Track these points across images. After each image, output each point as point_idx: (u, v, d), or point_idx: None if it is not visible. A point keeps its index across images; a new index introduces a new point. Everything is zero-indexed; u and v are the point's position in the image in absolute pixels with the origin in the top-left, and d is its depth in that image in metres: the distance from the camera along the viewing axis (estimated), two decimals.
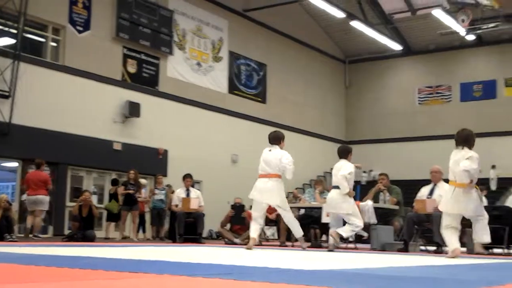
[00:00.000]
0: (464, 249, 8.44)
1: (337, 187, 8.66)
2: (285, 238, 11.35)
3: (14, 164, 14.77)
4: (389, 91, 25.15)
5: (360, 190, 12.55)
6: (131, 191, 13.28)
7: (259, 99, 21.57)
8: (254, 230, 8.24)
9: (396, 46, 23.94)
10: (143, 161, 16.27)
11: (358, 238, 12.80)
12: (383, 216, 9.74)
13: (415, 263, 5.50)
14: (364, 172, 22.66)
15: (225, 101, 19.93)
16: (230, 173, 19.13)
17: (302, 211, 11.55)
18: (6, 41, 14.21)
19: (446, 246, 9.10)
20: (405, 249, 9.47)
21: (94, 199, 13.90)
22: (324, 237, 11.75)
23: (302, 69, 23.56)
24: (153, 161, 16.90)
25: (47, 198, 12.24)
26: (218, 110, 19.50)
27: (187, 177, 12.64)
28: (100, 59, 16.10)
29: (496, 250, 10.26)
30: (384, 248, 9.71)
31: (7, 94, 13.73)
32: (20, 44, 14.01)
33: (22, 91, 13.94)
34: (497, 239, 8.25)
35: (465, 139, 7.09)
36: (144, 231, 14.59)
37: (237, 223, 12.07)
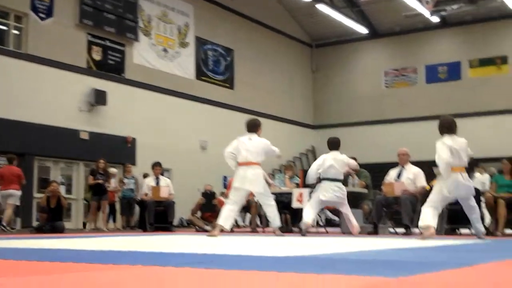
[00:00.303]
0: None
1: (337, 180, 8.81)
2: (256, 224, 11.40)
3: None
4: (356, 75, 25.30)
5: None
6: (100, 181, 13.14)
7: (227, 85, 21.51)
8: (223, 217, 8.17)
9: (362, 29, 24.08)
10: (111, 150, 16.11)
11: (328, 222, 12.96)
12: (352, 199, 9.82)
13: (385, 246, 5.57)
14: None
15: (192, 87, 19.81)
16: (199, 160, 19.08)
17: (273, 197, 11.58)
18: None
19: (414, 227, 9.27)
20: (374, 232, 9.59)
21: (62, 190, 13.75)
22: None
23: (270, 54, 23.54)
24: (121, 150, 16.75)
25: (18, 193, 12.24)
26: (186, 97, 19.38)
27: (156, 165, 12.58)
28: (64, 46, 15.83)
29: (463, 231, 10.47)
30: None
31: None
32: None
33: None
34: (464, 220, 8.39)
35: (450, 126, 7.24)
36: (114, 221, 14.47)
37: (208, 210, 12.09)
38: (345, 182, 10.57)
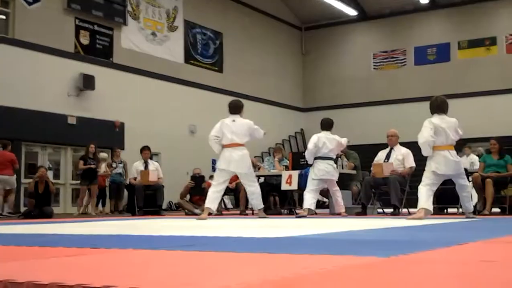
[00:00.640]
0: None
1: (329, 158, 8.99)
2: (245, 206, 11.43)
3: None
4: (346, 57, 25.27)
5: None
6: (92, 166, 13.10)
7: (216, 69, 21.42)
8: (210, 200, 8.26)
9: (352, 12, 24.03)
10: (100, 134, 16.03)
11: (317, 203, 13.00)
12: (341, 181, 9.88)
13: (374, 226, 5.60)
14: None
15: (181, 71, 19.72)
16: (188, 144, 19.05)
17: (262, 179, 11.61)
18: None
19: (403, 208, 9.35)
20: (363, 213, 9.66)
21: (50, 175, 13.71)
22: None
23: (259, 37, 23.44)
24: (109, 134, 16.67)
25: (13, 178, 12.43)
26: (174, 81, 19.29)
27: (145, 149, 12.55)
28: (51, 31, 15.67)
29: (450, 210, 10.56)
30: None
31: None
32: None
33: None
34: (452, 199, 8.47)
35: (440, 106, 7.35)
36: (103, 205, 14.45)
37: (196, 194, 12.08)
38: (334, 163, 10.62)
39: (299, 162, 10.69)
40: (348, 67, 25.07)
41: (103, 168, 13.85)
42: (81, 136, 15.17)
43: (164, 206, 14.28)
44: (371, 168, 9.99)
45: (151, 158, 12.98)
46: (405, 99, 23.36)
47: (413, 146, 7.66)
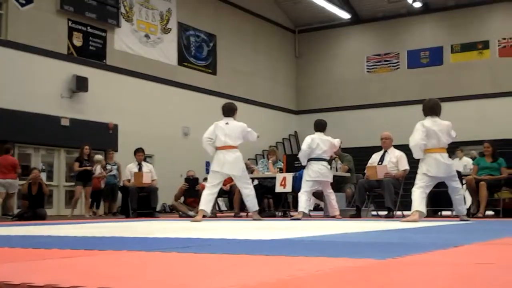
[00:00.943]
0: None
1: (323, 159, 9.02)
2: (239, 209, 11.42)
3: None
4: (339, 60, 25.31)
5: None
6: (88, 168, 13.07)
7: (209, 71, 21.41)
8: (205, 202, 8.28)
9: (345, 15, 24.07)
10: (93, 136, 15.96)
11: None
12: (335, 183, 9.89)
13: (368, 229, 5.60)
14: None
15: (175, 73, 19.70)
16: (182, 146, 19.03)
17: (256, 182, 11.61)
18: None
19: (396, 210, 9.37)
20: (357, 215, 9.66)
21: (43, 177, 13.67)
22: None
23: (252, 39, 23.46)
24: (103, 136, 16.62)
25: (16, 182, 12.71)
26: (168, 83, 19.27)
27: (138, 151, 12.53)
28: (44, 33, 15.62)
29: (444, 213, 10.58)
30: None
31: None
32: None
33: None
34: (446, 202, 8.48)
35: (432, 108, 7.38)
36: (97, 207, 14.40)
37: (191, 196, 12.05)
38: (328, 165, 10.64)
39: (293, 165, 10.70)
40: (342, 70, 25.11)
41: (98, 170, 13.82)
42: (74, 138, 15.12)
43: (158, 208, 14.24)
44: (365, 171, 10.01)
45: (145, 160, 12.95)
46: (398, 102, 23.43)
47: (407, 149, 7.68)
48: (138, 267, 2.51)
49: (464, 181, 9.65)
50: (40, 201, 11.47)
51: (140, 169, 12.33)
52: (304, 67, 26.02)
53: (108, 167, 14.19)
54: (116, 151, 16.04)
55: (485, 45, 22.77)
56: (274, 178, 10.69)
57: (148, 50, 18.82)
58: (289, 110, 25.49)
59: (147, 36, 18.80)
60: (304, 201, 9.03)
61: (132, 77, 18.00)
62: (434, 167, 7.25)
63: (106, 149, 15.29)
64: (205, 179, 14.13)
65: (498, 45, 22.57)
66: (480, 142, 11.47)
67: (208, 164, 18.41)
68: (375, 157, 10.02)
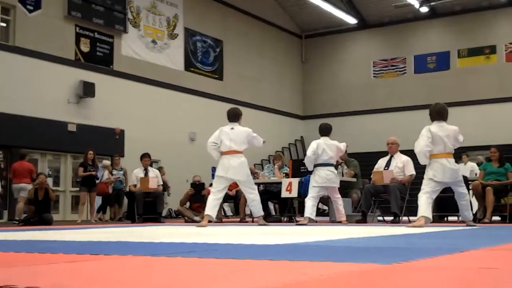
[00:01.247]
0: None
1: (330, 165, 9.00)
2: (245, 214, 11.41)
3: None
4: (345, 65, 25.31)
5: None
6: (93, 173, 13.11)
7: (216, 76, 21.44)
8: (210, 207, 8.29)
9: (352, 20, 24.08)
10: (100, 141, 16.03)
11: (317, 211, 12.98)
12: (341, 188, 9.87)
13: (374, 234, 5.59)
14: None
15: (181, 78, 19.74)
16: (188, 151, 19.05)
17: (262, 187, 11.61)
18: None
19: (403, 215, 9.34)
20: (363, 221, 9.63)
21: (50, 182, 13.72)
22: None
23: (259, 44, 23.49)
24: (109, 142, 16.67)
25: (29, 186, 12.67)
26: (174, 88, 19.31)
27: (145, 156, 12.54)
28: (52, 38, 15.70)
29: (451, 218, 10.55)
30: None
31: None
32: None
33: None
34: (452, 208, 8.45)
35: (439, 113, 7.36)
36: (104, 213, 14.42)
37: (196, 201, 12.05)
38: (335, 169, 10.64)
39: (299, 170, 10.68)
40: (348, 75, 25.10)
41: (106, 175, 13.86)
42: (81, 143, 15.16)
43: (164, 213, 14.26)
44: (371, 176, 9.98)
45: (151, 166, 12.96)
46: (405, 107, 23.39)
47: (413, 154, 7.65)
48: (143, 272, 2.52)
49: (470, 186, 9.61)
50: (46, 206, 11.49)
51: (146, 174, 12.34)
52: (310, 72, 26.02)
53: (114, 172, 14.22)
54: (123, 156, 16.07)
55: (492, 50, 22.72)
56: (280, 183, 10.68)
57: (155, 56, 18.88)
58: (295, 115, 25.49)
59: (154, 41, 18.86)
60: (311, 206, 9.01)
61: (139, 83, 18.05)
62: (441, 172, 7.23)
63: (112, 154, 15.33)
64: (211, 185, 14.15)
65: (505, 50, 22.51)
66: (486, 147, 11.42)
67: (214, 169, 18.42)
68: (381, 162, 9.99)
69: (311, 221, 9.03)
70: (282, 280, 2.15)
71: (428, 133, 7.24)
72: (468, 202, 7.73)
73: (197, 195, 12.02)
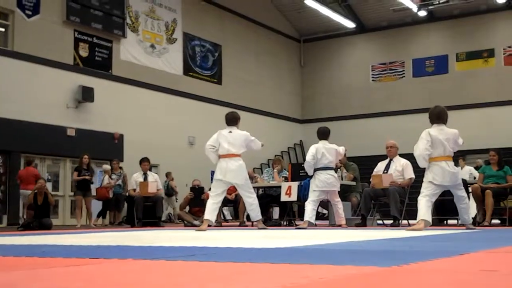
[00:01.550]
0: None
1: (330, 168, 9.01)
2: (244, 217, 11.41)
3: None
4: (344, 69, 25.35)
5: None
6: (87, 177, 13.09)
7: (215, 80, 21.46)
8: (209, 211, 8.29)
9: (350, 24, 24.12)
10: (99, 146, 16.04)
11: (316, 215, 12.98)
12: (341, 192, 9.87)
13: (374, 237, 5.59)
14: None
15: (180, 83, 19.75)
16: (187, 155, 19.04)
17: (261, 191, 11.60)
18: None
19: (402, 219, 9.34)
20: (363, 224, 9.62)
21: (49, 187, 13.73)
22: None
23: (258, 49, 23.52)
24: (108, 146, 16.68)
25: None
26: (173, 93, 19.32)
27: (144, 161, 12.54)
28: (50, 43, 15.72)
29: (450, 222, 10.54)
30: None
31: None
32: None
33: None
34: (452, 211, 8.45)
35: (439, 116, 7.36)
36: (104, 217, 14.41)
37: (196, 205, 12.05)
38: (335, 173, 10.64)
39: (299, 174, 10.68)
40: (347, 79, 25.13)
41: (106, 180, 13.85)
42: (80, 148, 15.15)
43: (163, 217, 14.25)
44: (371, 179, 9.98)
45: (150, 170, 12.96)
46: (403, 110, 23.41)
47: (412, 157, 7.65)
48: (143, 275, 2.52)
49: (470, 190, 9.61)
50: (46, 211, 11.48)
51: (145, 178, 12.34)
52: (309, 76, 26.06)
53: (114, 176, 14.21)
54: (122, 161, 16.06)
55: (490, 53, 22.76)
56: (279, 187, 10.67)
57: (154, 60, 18.90)
58: (294, 119, 25.51)
59: (152, 46, 18.88)
60: (310, 210, 9.00)
61: (137, 87, 18.06)
62: (440, 175, 7.22)
63: (111, 159, 15.33)
64: (210, 189, 14.16)
65: (503, 54, 22.56)
66: (486, 151, 11.43)
67: (213, 173, 18.42)
68: (381, 165, 9.99)
69: (311, 225, 9.02)
70: (282, 283, 2.15)
71: (427, 136, 7.24)
72: (467, 205, 7.73)
73: (196, 199, 12.03)
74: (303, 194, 9.94)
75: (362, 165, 13.00)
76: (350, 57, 25.47)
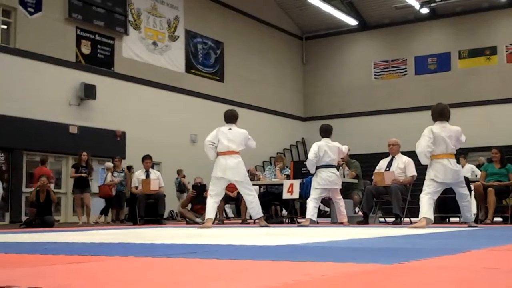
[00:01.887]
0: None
1: (332, 166, 9.03)
2: (246, 215, 11.41)
3: None
4: (346, 67, 25.31)
5: None
6: (83, 174, 13.07)
7: (217, 78, 21.45)
8: (211, 210, 8.32)
9: (352, 21, 24.09)
10: (101, 144, 16.06)
11: (318, 212, 12.98)
12: (343, 190, 9.87)
13: (375, 235, 5.59)
14: None
15: (182, 80, 19.75)
16: (189, 153, 19.04)
17: (263, 189, 11.61)
18: None
19: (404, 217, 9.33)
20: (365, 222, 9.62)
21: (51, 184, 13.73)
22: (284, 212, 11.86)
23: (260, 46, 23.50)
24: (111, 144, 16.68)
25: None
26: (175, 90, 19.32)
27: (146, 158, 12.55)
28: (53, 41, 15.72)
29: (452, 220, 10.54)
30: None
31: None
32: None
33: None
34: (454, 209, 8.44)
35: (441, 113, 7.36)
36: (106, 215, 14.42)
37: (198, 203, 12.05)
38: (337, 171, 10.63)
39: (301, 171, 10.68)
40: (349, 77, 25.10)
41: (109, 177, 13.87)
42: (82, 145, 15.13)
43: (165, 215, 14.25)
44: (373, 177, 9.97)
45: (152, 167, 12.97)
46: (406, 108, 23.39)
47: (415, 155, 7.65)
48: (145, 273, 2.52)
49: (472, 187, 9.60)
50: (48, 208, 11.50)
51: (147, 176, 12.35)
52: (311, 74, 26.03)
53: (115, 174, 14.21)
54: (124, 158, 16.07)
55: (493, 51, 22.72)
56: (281, 184, 10.68)
57: (156, 58, 18.90)
58: (296, 117, 25.49)
59: (154, 43, 18.88)
60: (312, 208, 9.01)
61: (140, 85, 18.06)
62: (442, 173, 7.22)
63: (113, 156, 15.33)
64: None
65: (506, 51, 22.52)
66: (488, 148, 11.41)
67: None
68: (383, 163, 9.98)
69: (313, 223, 9.03)
70: (284, 280, 2.15)
71: (430, 133, 7.23)
72: (469, 203, 7.72)
73: (198, 197, 12.02)
74: (305, 192, 9.95)
75: (364, 162, 13.00)
76: (352, 55, 25.44)
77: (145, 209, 12.02)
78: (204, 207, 10.75)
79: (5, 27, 15.13)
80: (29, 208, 12.18)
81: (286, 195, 10.39)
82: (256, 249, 3.87)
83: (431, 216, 7.18)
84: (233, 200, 12.12)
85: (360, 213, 10.42)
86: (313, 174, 9.24)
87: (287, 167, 11.95)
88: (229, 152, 8.35)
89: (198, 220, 11.24)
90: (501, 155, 9.71)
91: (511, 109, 21.87)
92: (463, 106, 21.43)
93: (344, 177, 10.68)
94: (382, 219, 10.75)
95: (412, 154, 9.76)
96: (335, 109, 24.68)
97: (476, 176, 10.79)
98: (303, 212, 10.31)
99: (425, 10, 22.85)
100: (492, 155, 9.89)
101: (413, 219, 9.16)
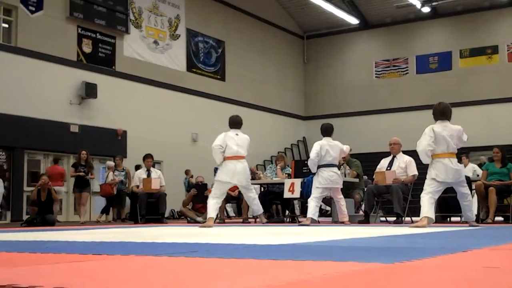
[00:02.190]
0: None
1: (333, 165, 9.05)
2: (247, 214, 11.42)
3: None
4: (347, 66, 25.31)
5: None
6: (81, 173, 13.08)
7: (218, 77, 21.45)
8: (213, 210, 8.43)
9: (353, 20, 24.08)
10: (102, 142, 16.06)
11: (319, 211, 12.98)
12: (344, 189, 9.86)
13: (377, 234, 5.59)
14: None
15: (183, 79, 19.75)
16: (190, 152, 19.05)
17: (264, 188, 11.60)
18: None
19: (405, 216, 9.33)
20: (366, 221, 9.61)
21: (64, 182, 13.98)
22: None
23: (261, 45, 23.50)
24: (112, 143, 16.69)
25: (62, 189, 13.66)
26: (176, 89, 19.32)
27: (147, 157, 12.54)
28: (54, 39, 15.73)
29: (453, 219, 10.53)
30: None
31: None
32: None
33: None
34: (455, 208, 8.44)
35: (443, 112, 7.35)
36: (107, 214, 14.43)
37: (199, 201, 12.06)
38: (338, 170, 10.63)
39: (302, 170, 10.67)
40: (350, 76, 25.09)
41: (110, 176, 13.87)
42: (83, 144, 15.13)
43: (166, 214, 14.26)
44: (374, 176, 9.97)
45: (153, 166, 12.96)
46: (407, 107, 23.39)
47: (416, 154, 7.64)
48: (146, 272, 2.52)
49: (473, 187, 9.59)
50: (49, 207, 11.51)
51: (149, 175, 12.34)
52: (312, 73, 26.03)
53: (116, 173, 14.21)
54: (125, 157, 16.08)
55: (494, 50, 22.70)
56: (283, 183, 10.67)
57: (157, 56, 18.90)
58: (297, 116, 25.49)
59: (156, 42, 18.88)
60: (313, 207, 9.01)
61: (141, 84, 18.07)
62: (443, 172, 7.21)
63: (115, 155, 15.33)
64: (213, 185, 14.15)
65: (507, 50, 22.51)
66: (489, 148, 11.40)
67: (216, 170, 18.42)
68: (384, 162, 9.97)
69: (314, 222, 9.03)
70: (285, 279, 2.15)
71: (431, 132, 7.22)
72: (470, 202, 7.71)
73: (199, 196, 12.03)
74: (306, 191, 9.94)
75: (365, 162, 12.99)
76: (353, 54, 25.43)
77: (146, 208, 12.02)
78: (205, 206, 10.77)
79: (6, 25, 15.13)
80: (30, 206, 12.19)
81: (287, 194, 10.38)
82: (257, 248, 3.87)
83: (432, 215, 7.18)
84: (234, 199, 12.13)
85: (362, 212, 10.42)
86: (314, 173, 9.24)
87: (288, 166, 11.94)
88: (238, 157, 8.52)
89: (199, 219, 11.24)
90: (503, 155, 9.70)
91: None
92: (464, 105, 21.44)
93: (345, 176, 10.68)
94: (383, 219, 10.75)
95: (413, 154, 9.74)
96: (336, 108, 24.67)
97: (478, 175, 10.77)
98: (304, 211, 10.30)
99: (426, 9, 22.85)
100: (493, 154, 9.87)
101: (414, 219, 9.15)
